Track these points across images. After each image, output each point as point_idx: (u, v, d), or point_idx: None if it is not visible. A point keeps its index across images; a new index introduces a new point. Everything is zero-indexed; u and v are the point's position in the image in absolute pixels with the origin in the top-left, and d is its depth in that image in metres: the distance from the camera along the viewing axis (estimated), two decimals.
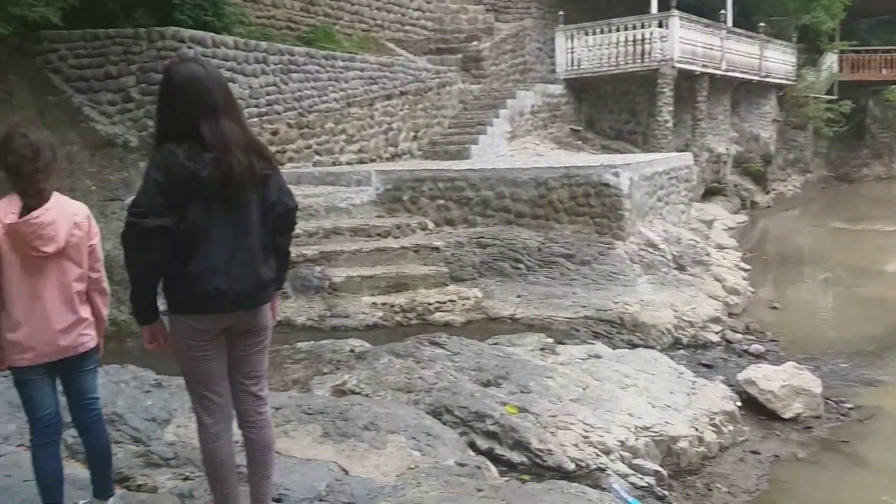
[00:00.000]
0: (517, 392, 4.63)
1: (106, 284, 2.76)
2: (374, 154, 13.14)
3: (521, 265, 8.16)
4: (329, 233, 8.57)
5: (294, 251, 8.39)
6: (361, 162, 12.60)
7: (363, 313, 7.43)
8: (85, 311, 2.66)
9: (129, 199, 8.15)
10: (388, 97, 13.54)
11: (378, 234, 8.72)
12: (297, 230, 8.60)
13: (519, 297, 7.72)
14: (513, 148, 14.36)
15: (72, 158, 9.13)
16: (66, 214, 2.55)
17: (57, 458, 2.67)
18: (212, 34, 10.11)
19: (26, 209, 2.47)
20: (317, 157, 11.73)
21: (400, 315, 7.44)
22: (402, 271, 7.98)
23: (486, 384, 4.73)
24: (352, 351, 5.85)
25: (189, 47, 9.60)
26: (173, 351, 2.48)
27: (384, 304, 7.56)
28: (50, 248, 2.48)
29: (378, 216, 9.26)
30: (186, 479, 3.14)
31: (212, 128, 2.30)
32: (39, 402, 2.60)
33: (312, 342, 6.22)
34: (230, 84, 9.90)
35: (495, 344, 5.86)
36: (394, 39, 17.11)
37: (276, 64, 10.95)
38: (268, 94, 10.81)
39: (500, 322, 7.39)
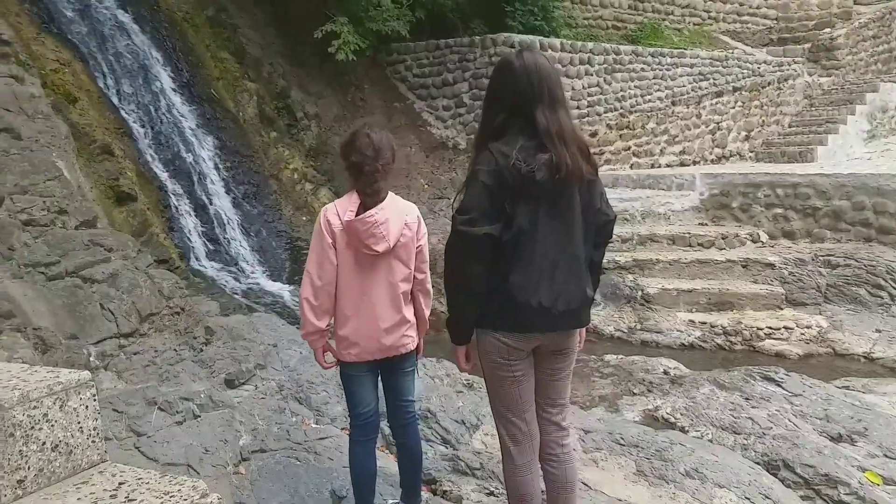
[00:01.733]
0: (880, 455, 3.70)
1: (429, 285, 2.74)
2: (698, 156, 12.18)
3: (882, 292, 6.74)
4: (644, 239, 8.07)
5: (606, 257, 8.03)
6: (683, 164, 11.76)
7: (678, 330, 6.80)
8: (409, 312, 2.63)
9: (455, 198, 8.71)
10: (719, 94, 12.43)
11: (700, 244, 7.96)
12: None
13: (878, 331, 6.37)
14: (870, 150, 12.12)
15: (410, 159, 10.00)
16: (398, 214, 2.52)
17: (372, 456, 2.72)
18: (540, 38, 10.25)
19: (363, 207, 2.48)
20: (635, 160, 11.24)
21: (721, 338, 6.66)
22: (727, 288, 7.14)
23: (837, 439, 3.87)
24: (666, 373, 5.35)
25: None
26: (482, 369, 2.31)
27: (703, 322, 6.84)
28: (381, 247, 2.46)
29: (700, 224, 8.46)
30: (491, 494, 3.03)
31: (548, 117, 2.09)
32: (361, 398, 2.65)
33: (621, 356, 5.84)
34: None
35: (846, 388, 4.85)
36: (728, 32, 15.74)
37: (600, 64, 10.71)
38: (589, 94, 10.62)
39: (852, 360, 6.17)
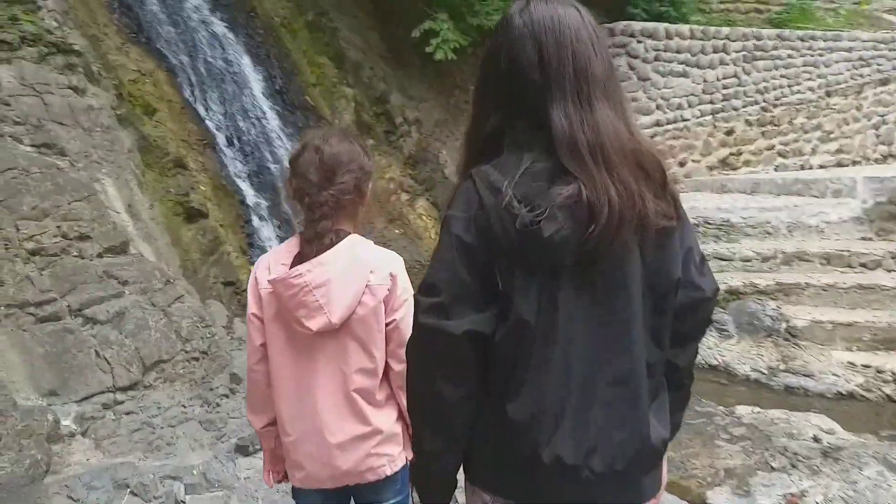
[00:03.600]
0: None
1: None
2: (858, 155, 10.45)
3: None
4: (791, 258, 6.75)
5: (741, 278, 6.92)
6: (840, 165, 10.11)
7: (833, 375, 5.52)
8: (380, 419, 1.76)
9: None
10: (884, 82, 10.61)
11: (862, 265, 6.54)
12: (749, 251, 7.07)
13: None
14: None
15: None
16: (353, 272, 1.66)
17: None
18: (666, 25, 9.10)
19: (299, 259, 1.68)
20: (780, 160, 9.76)
21: (891, 386, 5.31)
22: None
23: None
24: (816, 439, 4.19)
25: (639, 41, 8.76)
26: None
27: (866, 365, 5.51)
28: (315, 323, 1.63)
29: (863, 239, 7.00)
30: None
31: (573, 116, 1.21)
32: None
33: (757, 410, 4.71)
34: (678, 78, 8.85)
35: None
36: (895, 10, 13.62)
37: (737, 52, 9.36)
38: (725, 87, 9.31)
39: None
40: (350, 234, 1.72)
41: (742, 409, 4.76)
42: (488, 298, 1.23)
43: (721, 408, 4.82)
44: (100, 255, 3.75)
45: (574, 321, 1.23)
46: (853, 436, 4.37)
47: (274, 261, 1.72)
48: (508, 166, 1.22)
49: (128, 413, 3.24)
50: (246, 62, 7.64)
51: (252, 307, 1.73)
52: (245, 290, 5.55)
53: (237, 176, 6.72)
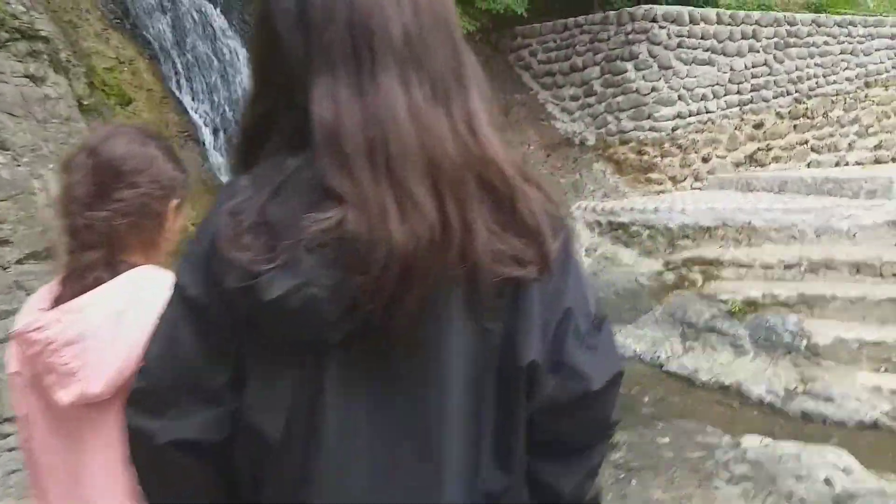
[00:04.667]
0: None
1: None
2: None
3: None
4: (817, 266, 6.17)
5: (761, 288, 6.30)
6: (879, 162, 9.39)
7: (857, 400, 4.97)
8: None
9: (574, 206, 7.26)
10: None
11: (895, 275, 5.94)
12: (771, 257, 6.49)
13: None
14: None
15: (526, 159, 8.68)
16: (124, 322, 1.16)
17: None
18: (690, 9, 8.48)
19: (54, 304, 1.22)
20: (813, 156, 9.10)
21: None
22: None
23: None
24: (828, 482, 3.69)
25: (661, 27, 8.17)
26: None
27: (895, 391, 4.95)
28: (67, 395, 1.17)
29: None
30: None
31: (340, 99, 0.78)
32: None
33: (766, 442, 4.21)
34: (703, 66, 8.22)
35: None
36: None
37: (768, 38, 8.70)
38: (754, 76, 8.67)
39: None
40: (134, 266, 1.25)
41: (749, 441, 4.26)
42: (231, 385, 0.82)
43: (727, 437, 4.34)
44: (20, 262, 3.43)
45: (349, 435, 0.79)
46: (873, 476, 3.85)
47: (35, 303, 1.26)
48: (265, 178, 0.80)
49: (10, 450, 2.91)
50: (239, 50, 7.29)
51: (12, 364, 1.27)
52: None
53: (218, 169, 6.38)
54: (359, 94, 0.78)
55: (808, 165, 9.00)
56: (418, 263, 0.75)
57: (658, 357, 6.17)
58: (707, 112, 8.49)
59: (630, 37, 8.32)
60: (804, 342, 5.44)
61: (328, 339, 0.78)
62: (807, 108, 9.02)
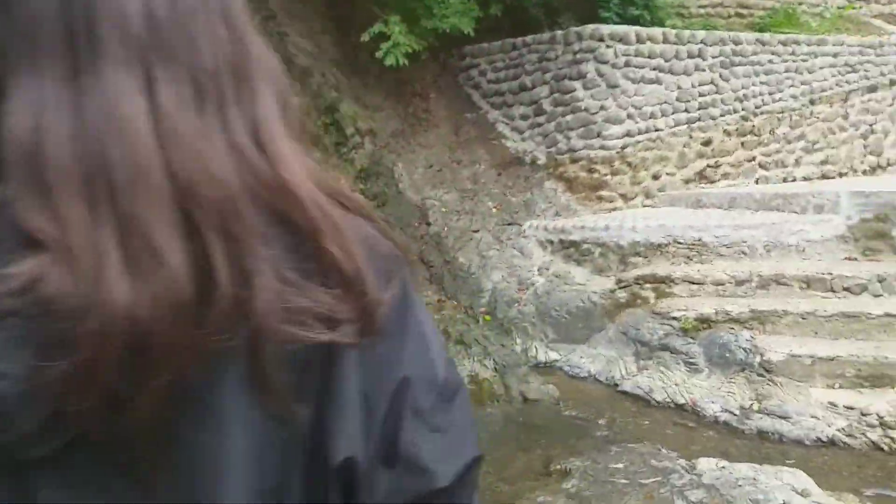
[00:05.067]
0: None
1: None
2: (846, 166, 9.87)
3: None
4: (768, 281, 6.12)
5: (713, 304, 6.20)
6: (826, 177, 9.52)
7: (812, 417, 4.86)
8: None
9: (526, 225, 7.08)
10: (872, 89, 10.06)
11: (846, 289, 5.91)
12: (722, 273, 6.41)
13: None
14: None
15: (477, 178, 8.55)
16: None
17: None
18: (637, 28, 8.50)
19: None
20: (761, 172, 9.16)
21: (877, 431, 4.65)
22: (886, 355, 5.10)
23: None
24: None
25: (608, 46, 8.16)
26: None
27: (850, 407, 4.86)
28: None
29: (847, 259, 6.38)
30: None
31: (46, 102, 0.53)
32: None
33: (723, 466, 4.05)
34: (650, 85, 8.21)
35: None
36: (883, 15, 13.10)
37: (714, 57, 8.77)
38: (701, 94, 8.71)
39: None
40: None
41: (705, 464, 4.11)
42: None
43: (682, 461, 4.18)
44: None
45: None
46: (831, 497, 3.72)
47: None
48: None
49: None
50: None
51: None
52: None
53: None
54: (73, 97, 0.54)
55: (757, 182, 9.05)
56: (156, 337, 0.51)
57: (612, 377, 6.02)
58: (656, 130, 8.48)
59: (578, 56, 8.28)
60: (758, 359, 5.34)
61: (29, 455, 0.52)
62: (753, 126, 9.09)
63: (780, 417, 4.92)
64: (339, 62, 8.99)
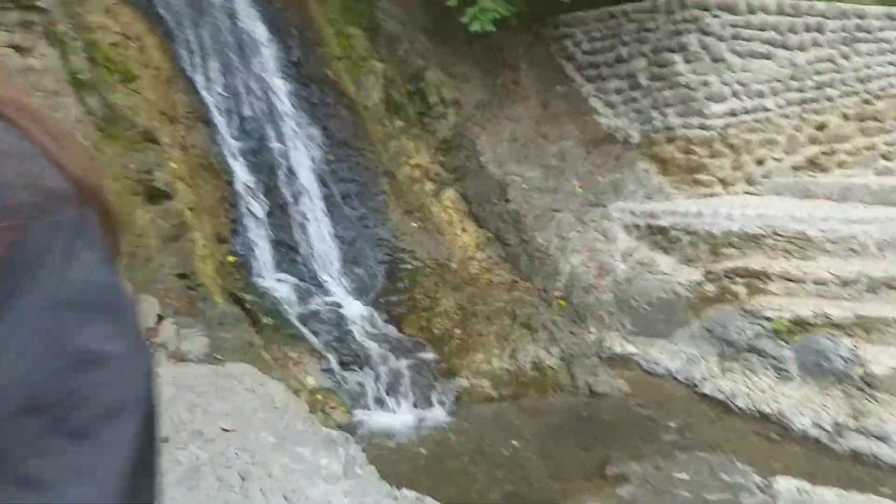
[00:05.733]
0: None
1: None
2: None
3: None
4: (878, 284, 5.47)
5: (812, 306, 5.56)
6: None
7: None
8: None
9: (613, 206, 6.68)
10: None
11: None
12: (826, 272, 5.77)
13: None
14: None
15: (565, 156, 8.14)
16: None
17: None
18: None
19: None
20: (883, 163, 8.25)
21: None
22: None
23: None
24: None
25: (714, 15, 7.51)
26: None
27: None
28: None
29: None
30: None
31: None
32: None
33: (804, 489, 3.60)
34: (760, 60, 7.47)
35: None
36: None
37: (834, 32, 7.93)
38: (818, 72, 7.91)
39: None
40: None
41: (783, 483, 3.68)
42: None
43: (757, 478, 3.77)
44: None
45: None
46: None
47: None
48: None
49: None
50: (260, 29, 6.98)
51: None
52: (201, 284, 4.89)
53: (230, 154, 6.08)
54: None
55: (876, 172, 8.17)
56: None
57: (692, 377, 5.58)
58: (763, 110, 7.78)
59: (679, 26, 7.67)
60: (859, 370, 4.77)
61: None
62: (876, 111, 8.19)
63: (879, 438, 4.38)
64: (427, 29, 8.75)
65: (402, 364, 5.10)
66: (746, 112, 7.69)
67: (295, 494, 2.38)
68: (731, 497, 3.49)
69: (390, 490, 2.70)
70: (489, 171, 7.92)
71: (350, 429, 4.44)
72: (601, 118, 8.49)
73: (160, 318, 4.03)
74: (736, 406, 5.07)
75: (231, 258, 5.49)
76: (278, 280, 5.75)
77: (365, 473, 2.95)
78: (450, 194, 7.53)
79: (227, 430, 2.79)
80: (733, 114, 7.61)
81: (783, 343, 5.25)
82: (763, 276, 5.87)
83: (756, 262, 6.04)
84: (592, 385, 5.27)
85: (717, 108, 7.53)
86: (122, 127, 4.93)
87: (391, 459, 4.08)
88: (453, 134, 8.13)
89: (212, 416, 2.92)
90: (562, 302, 6.62)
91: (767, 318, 5.44)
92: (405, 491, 2.72)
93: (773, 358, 5.21)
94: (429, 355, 5.23)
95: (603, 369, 5.49)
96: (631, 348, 6.20)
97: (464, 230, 7.33)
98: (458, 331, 5.47)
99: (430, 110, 8.11)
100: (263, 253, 5.81)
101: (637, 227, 7.11)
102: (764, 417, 4.88)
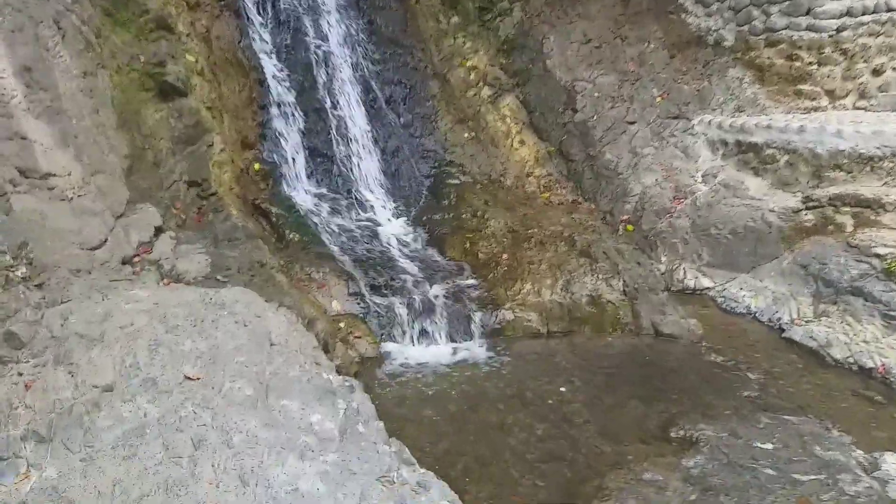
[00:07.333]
0: None
1: None
2: None
3: None
4: None
5: None
6: None
7: None
8: None
9: (697, 120, 5.74)
10: None
11: None
12: None
13: None
14: None
15: (644, 59, 7.13)
16: None
17: None
18: None
19: None
20: None
21: None
22: None
23: None
24: None
25: None
26: None
27: None
28: None
29: None
30: None
31: None
32: None
33: None
34: None
35: None
36: None
37: None
38: None
39: None
40: None
41: (891, 460, 2.97)
42: None
43: (859, 453, 3.07)
44: None
45: None
46: None
47: None
48: None
49: None
50: None
51: None
52: (214, 193, 4.36)
53: (261, 48, 5.43)
54: None
55: None
56: None
57: (779, 319, 4.80)
58: (888, 10, 6.49)
59: None
60: None
61: None
62: None
63: None
64: None
65: (440, 290, 4.51)
66: (866, 12, 6.44)
67: (254, 476, 1.85)
68: (828, 480, 2.79)
69: (390, 464, 2.14)
70: (556, 76, 7.01)
71: (375, 362, 3.92)
72: (690, 17, 7.36)
73: (158, 230, 3.53)
74: (831, 357, 4.28)
75: (257, 165, 4.93)
76: (309, 192, 5.18)
77: (368, 432, 2.40)
78: (509, 102, 6.71)
79: (190, 379, 2.28)
80: (851, 13, 6.40)
81: (894, 286, 4.38)
82: (876, 205, 4.94)
83: (868, 188, 5.09)
84: (659, 325, 4.56)
85: (831, 5, 6.34)
86: (131, 11, 4.34)
87: (412, 405, 3.55)
88: (517, 33, 7.20)
89: (177, 357, 2.40)
90: (629, 227, 5.84)
91: (878, 256, 4.56)
92: (404, 472, 2.15)
93: (882, 303, 4.36)
94: (471, 282, 4.62)
95: (672, 307, 4.75)
96: (706, 282, 5.42)
97: (522, 143, 6.54)
98: (505, 256, 4.82)
99: (493, 6, 7.18)
100: (296, 161, 5.23)
101: (724, 143, 6.17)
102: (866, 374, 4.09)
